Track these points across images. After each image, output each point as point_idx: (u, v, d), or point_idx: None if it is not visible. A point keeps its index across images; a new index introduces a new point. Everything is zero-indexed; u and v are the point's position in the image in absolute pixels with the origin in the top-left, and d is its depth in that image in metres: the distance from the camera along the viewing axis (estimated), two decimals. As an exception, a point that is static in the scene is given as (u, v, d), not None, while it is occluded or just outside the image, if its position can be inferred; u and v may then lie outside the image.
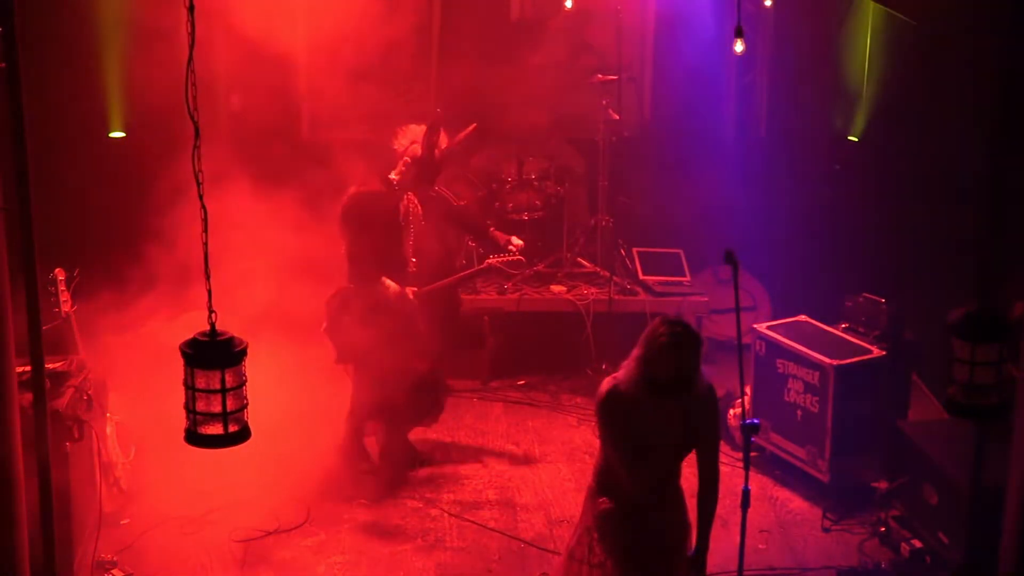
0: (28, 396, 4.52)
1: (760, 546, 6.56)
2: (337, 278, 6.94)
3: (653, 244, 9.05)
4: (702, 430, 4.84)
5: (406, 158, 6.81)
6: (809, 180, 9.39)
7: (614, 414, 4.75)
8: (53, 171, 7.23)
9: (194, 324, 3.51)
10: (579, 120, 9.08)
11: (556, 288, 8.67)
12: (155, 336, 7.09)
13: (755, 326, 7.47)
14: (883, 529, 6.52)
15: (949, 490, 6.04)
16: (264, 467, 6.62)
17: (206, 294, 3.47)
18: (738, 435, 7.04)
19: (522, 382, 8.62)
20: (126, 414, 6.75)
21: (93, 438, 6.02)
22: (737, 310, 4.71)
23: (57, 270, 6.26)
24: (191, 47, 3.41)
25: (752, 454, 5.21)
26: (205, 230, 3.47)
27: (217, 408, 3.34)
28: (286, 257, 6.95)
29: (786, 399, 7.13)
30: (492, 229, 7.55)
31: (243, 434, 3.41)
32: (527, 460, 7.53)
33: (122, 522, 6.51)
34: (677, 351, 4.60)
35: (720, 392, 5.07)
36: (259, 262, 6.87)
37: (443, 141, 6.88)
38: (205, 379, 3.33)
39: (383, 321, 6.76)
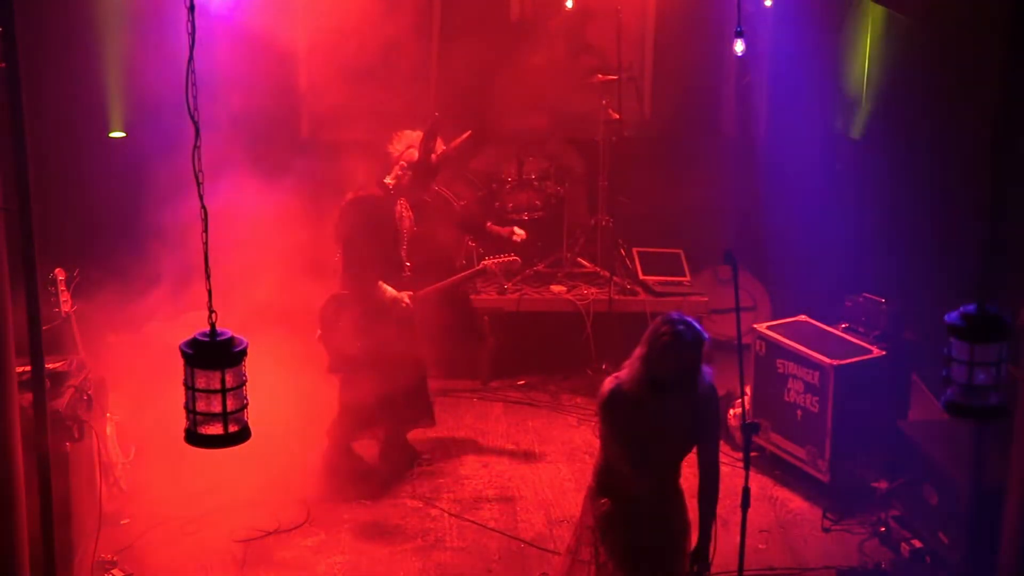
0: (28, 396, 4.53)
1: (760, 546, 6.56)
2: (331, 282, 6.92)
3: (653, 244, 9.05)
4: (704, 428, 4.85)
5: (402, 162, 6.80)
6: (809, 180, 9.38)
7: (617, 413, 4.75)
8: (53, 171, 7.23)
9: (194, 324, 3.51)
10: (579, 120, 9.08)
11: (556, 288, 8.67)
12: (155, 336, 7.10)
13: (755, 326, 7.48)
14: (883, 529, 6.52)
15: (949, 490, 6.04)
16: (264, 467, 6.62)
17: (206, 294, 3.47)
18: (738, 435, 7.04)
19: (522, 382, 8.62)
20: (126, 414, 6.75)
21: (93, 438, 6.02)
22: (737, 310, 4.71)
23: (57, 270, 6.27)
24: (191, 47, 3.41)
25: (752, 454, 5.21)
26: (205, 230, 3.46)
27: (217, 408, 3.33)
28: (286, 256, 6.96)
29: (786, 399, 7.13)
30: (489, 225, 7.54)
31: (243, 434, 3.40)
32: (527, 460, 7.53)
33: (122, 522, 6.51)
34: (680, 349, 4.60)
35: (720, 392, 5.07)
36: (260, 261, 6.87)
37: (439, 146, 6.88)
38: (205, 379, 3.32)
39: (380, 327, 6.76)
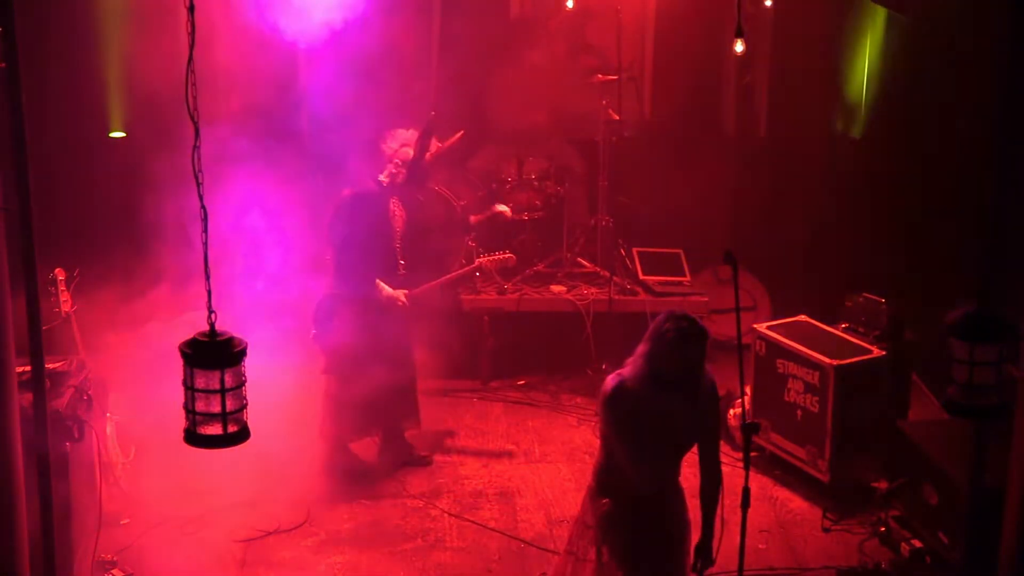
0: (28, 396, 4.52)
1: (760, 546, 6.56)
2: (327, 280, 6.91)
3: (653, 244, 9.05)
4: (705, 425, 4.86)
5: (396, 160, 6.80)
6: (809, 179, 9.39)
7: (620, 410, 4.74)
8: (53, 171, 7.23)
9: (194, 324, 3.51)
10: (579, 120, 9.07)
11: (556, 288, 8.68)
12: (155, 336, 7.09)
13: (755, 326, 7.47)
14: (883, 529, 6.52)
15: (949, 490, 6.04)
16: (264, 467, 6.62)
17: (206, 293, 3.47)
18: (738, 435, 7.04)
19: (522, 382, 8.62)
20: (126, 414, 6.75)
21: (93, 438, 6.02)
22: (737, 310, 4.71)
23: (57, 270, 6.27)
24: (191, 47, 3.41)
25: (752, 454, 5.21)
26: (205, 230, 3.46)
27: (216, 408, 3.33)
28: (286, 256, 6.95)
29: (786, 399, 7.13)
30: (472, 218, 7.47)
31: (242, 434, 3.40)
32: (527, 460, 7.53)
33: (122, 522, 6.51)
34: (684, 345, 4.61)
35: (720, 392, 5.07)
36: (260, 260, 6.87)
37: (433, 145, 6.87)
38: (204, 379, 3.32)
39: (376, 325, 6.75)
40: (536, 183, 8.73)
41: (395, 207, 6.92)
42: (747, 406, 7.11)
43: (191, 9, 3.42)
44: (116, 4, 8.36)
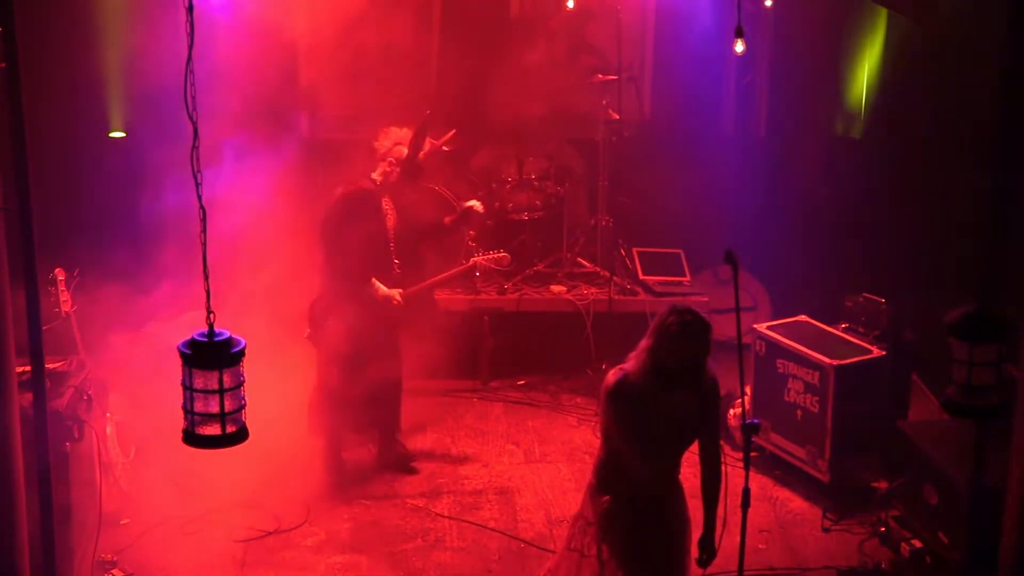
0: (28, 396, 4.53)
1: (760, 546, 6.56)
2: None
3: (653, 244, 9.05)
4: (707, 419, 4.86)
5: (390, 159, 6.79)
6: (809, 180, 9.39)
7: (623, 404, 4.75)
8: (53, 171, 7.23)
9: (194, 323, 3.51)
10: (579, 120, 9.07)
11: (556, 288, 8.67)
12: (155, 336, 7.09)
13: (755, 326, 7.47)
14: (883, 529, 6.52)
15: (949, 490, 6.04)
16: (264, 467, 6.61)
17: (205, 293, 3.47)
18: (738, 435, 7.04)
19: (522, 382, 8.62)
20: (126, 414, 6.75)
21: (93, 438, 6.02)
22: (737, 310, 4.71)
23: (57, 270, 6.27)
24: (190, 47, 3.41)
25: (752, 454, 5.21)
26: (204, 230, 3.46)
27: (215, 409, 3.33)
28: (286, 255, 6.95)
29: (786, 399, 7.13)
30: (446, 220, 7.33)
31: (241, 435, 3.40)
32: (527, 460, 7.53)
33: (122, 522, 6.51)
34: (688, 339, 4.63)
35: (720, 392, 5.07)
36: (260, 259, 6.87)
37: (427, 144, 6.85)
38: (203, 379, 3.32)
39: (370, 324, 6.74)
40: (536, 183, 8.72)
41: (387, 206, 6.90)
42: (747, 406, 7.11)
43: (190, 9, 3.42)
44: (116, 3, 8.36)
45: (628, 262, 8.93)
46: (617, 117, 8.68)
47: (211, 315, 3.41)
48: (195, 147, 3.41)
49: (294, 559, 6.37)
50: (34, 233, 4.27)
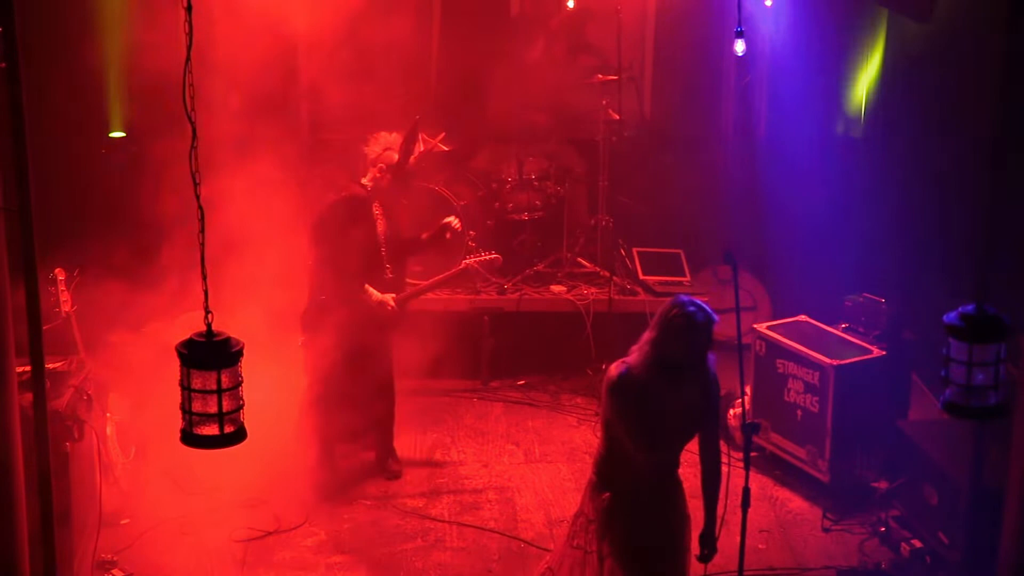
0: (28, 396, 4.52)
1: (760, 546, 6.56)
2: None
3: (653, 244, 9.05)
4: (708, 412, 4.87)
5: (380, 164, 6.77)
6: (809, 180, 9.38)
7: (625, 396, 4.75)
8: (53, 171, 7.24)
9: (194, 324, 3.51)
10: (579, 120, 9.08)
11: (556, 288, 8.68)
12: (155, 336, 7.09)
13: (755, 326, 7.48)
14: (883, 529, 6.52)
15: (949, 490, 6.04)
16: (264, 467, 6.62)
17: (204, 294, 3.47)
18: (738, 435, 7.04)
19: (522, 382, 8.62)
20: (126, 414, 6.75)
21: (93, 438, 6.02)
22: (737, 310, 4.71)
23: (57, 270, 6.27)
24: (188, 48, 3.41)
25: (752, 454, 5.21)
26: (202, 230, 3.46)
27: (213, 409, 3.33)
28: (286, 255, 6.94)
29: (786, 399, 7.13)
30: (423, 234, 7.27)
31: (239, 435, 3.40)
32: (527, 460, 7.54)
33: (122, 522, 6.51)
34: (691, 330, 4.65)
35: (720, 392, 5.08)
36: (260, 260, 6.86)
37: (417, 148, 6.84)
38: (201, 380, 3.32)
39: (365, 330, 6.73)
40: (536, 183, 8.72)
41: (378, 211, 6.87)
42: (747, 406, 7.11)
43: (188, 9, 3.42)
44: (116, 3, 8.36)
45: (628, 262, 8.93)
46: (617, 117, 8.68)
47: (209, 315, 3.41)
48: (193, 147, 3.41)
49: (294, 559, 6.37)
50: (34, 233, 4.27)
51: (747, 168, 9.35)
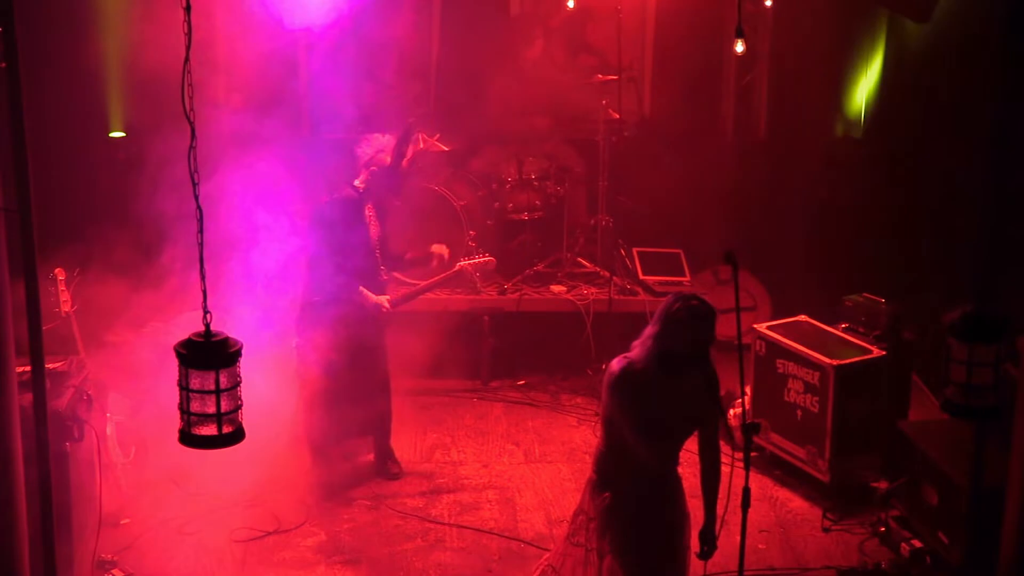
0: (28, 396, 4.53)
1: (760, 546, 6.56)
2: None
3: (653, 244, 9.05)
4: (708, 408, 4.87)
5: (373, 167, 6.75)
6: (809, 180, 9.39)
7: (628, 391, 4.75)
8: (53, 171, 7.23)
9: (193, 324, 3.51)
10: (579, 120, 9.08)
11: (556, 288, 8.68)
12: (155, 336, 7.09)
13: (755, 326, 7.47)
14: (883, 529, 6.52)
15: (949, 490, 6.04)
16: (264, 467, 6.62)
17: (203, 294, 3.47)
18: (738, 435, 7.04)
19: (522, 382, 8.62)
20: (126, 414, 6.75)
21: (93, 438, 6.02)
22: (737, 310, 4.71)
23: (57, 270, 6.27)
24: (188, 48, 3.41)
25: (752, 454, 5.21)
26: (200, 230, 3.46)
27: (211, 409, 3.33)
28: (286, 255, 6.94)
29: (786, 399, 7.13)
30: (408, 254, 7.25)
31: (237, 435, 3.40)
32: (527, 460, 7.54)
33: (122, 522, 6.51)
34: (694, 324, 4.65)
35: (720, 392, 5.08)
36: (260, 261, 6.87)
37: (410, 151, 6.83)
38: (199, 380, 3.32)
39: (360, 332, 6.72)
40: (536, 183, 8.72)
41: (370, 213, 6.86)
42: (747, 406, 7.11)
43: (188, 9, 3.42)
44: (116, 3, 8.37)
45: (628, 262, 8.93)
46: (617, 117, 8.68)
47: (208, 315, 3.41)
48: (192, 147, 3.41)
49: (294, 559, 6.37)
50: (34, 233, 4.27)
51: (747, 168, 9.35)
